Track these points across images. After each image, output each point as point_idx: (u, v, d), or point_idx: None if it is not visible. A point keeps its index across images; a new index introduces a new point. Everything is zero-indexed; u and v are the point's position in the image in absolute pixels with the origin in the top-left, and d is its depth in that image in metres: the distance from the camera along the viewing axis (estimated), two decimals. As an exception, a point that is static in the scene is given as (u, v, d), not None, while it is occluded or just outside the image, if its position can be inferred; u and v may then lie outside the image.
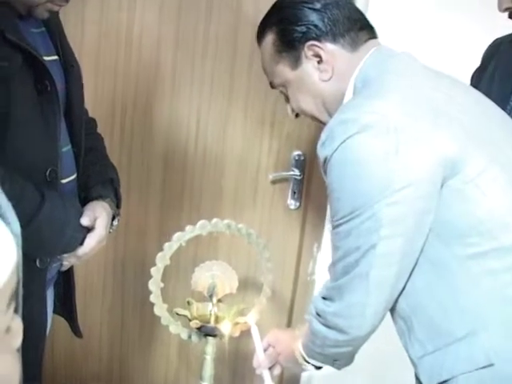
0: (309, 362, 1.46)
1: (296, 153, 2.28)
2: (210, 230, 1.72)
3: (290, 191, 2.31)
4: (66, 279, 1.65)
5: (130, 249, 2.29)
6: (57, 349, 2.31)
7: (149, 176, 2.24)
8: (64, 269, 1.55)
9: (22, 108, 1.31)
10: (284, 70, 1.39)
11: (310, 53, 1.34)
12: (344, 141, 1.16)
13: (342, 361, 1.41)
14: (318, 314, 1.33)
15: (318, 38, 1.33)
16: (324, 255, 2.29)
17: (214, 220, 1.72)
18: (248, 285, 2.21)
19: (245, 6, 2.14)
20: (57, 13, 1.49)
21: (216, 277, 1.78)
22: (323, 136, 1.22)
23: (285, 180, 2.31)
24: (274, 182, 2.31)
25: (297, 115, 1.49)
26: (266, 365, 1.60)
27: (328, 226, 2.28)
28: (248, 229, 1.77)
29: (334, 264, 1.28)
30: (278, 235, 2.34)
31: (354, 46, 1.34)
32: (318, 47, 1.33)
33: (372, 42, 1.37)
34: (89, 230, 1.46)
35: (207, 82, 2.19)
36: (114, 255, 2.28)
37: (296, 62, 1.37)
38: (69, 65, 1.51)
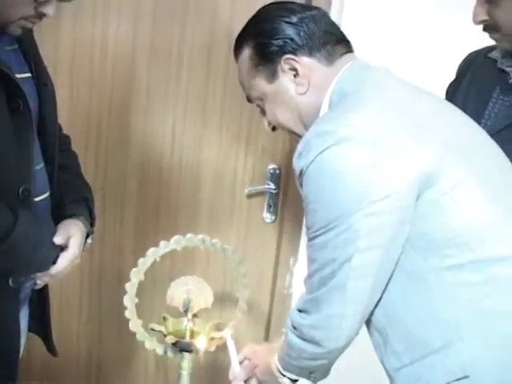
0: (284, 375, 1.45)
1: (271, 166, 2.29)
2: (185, 245, 1.72)
3: (266, 205, 2.32)
4: (40, 298, 1.63)
5: (106, 264, 2.28)
6: (33, 364, 2.28)
7: (124, 191, 2.24)
8: (38, 287, 1.53)
9: None
10: (261, 84, 1.40)
11: (286, 66, 1.35)
12: (321, 152, 1.17)
13: (317, 373, 1.41)
14: (293, 327, 1.33)
15: (294, 52, 1.34)
16: (301, 268, 2.30)
17: (189, 235, 1.71)
18: (224, 300, 2.20)
19: (219, 20, 2.16)
20: (30, 30, 1.48)
21: (191, 292, 1.78)
22: (299, 148, 1.23)
23: (260, 194, 2.31)
24: (249, 195, 2.31)
25: (273, 128, 1.50)
26: (242, 377, 1.60)
27: (304, 239, 2.28)
28: (223, 244, 1.77)
29: (309, 276, 1.28)
30: (254, 249, 2.34)
31: (331, 59, 1.35)
32: (295, 61, 1.34)
33: (348, 55, 1.38)
34: (62, 248, 1.45)
35: (182, 96, 2.20)
36: (90, 270, 2.27)
37: (273, 76, 1.37)
38: (42, 82, 1.50)
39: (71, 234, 1.47)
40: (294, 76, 1.36)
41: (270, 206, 2.31)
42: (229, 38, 2.12)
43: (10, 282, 1.38)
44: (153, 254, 1.67)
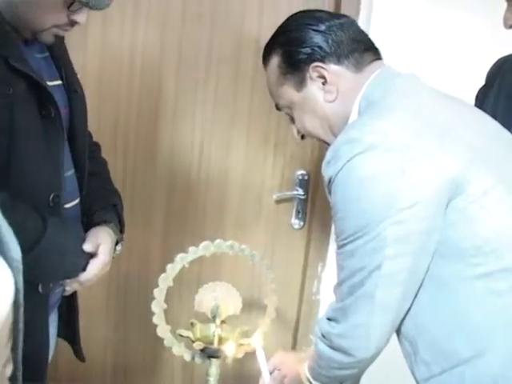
0: None
1: (300, 172, 2.28)
2: (213, 251, 1.72)
3: (294, 211, 2.31)
4: (69, 304, 1.64)
5: (134, 270, 2.28)
6: (60, 371, 2.30)
7: (152, 198, 2.24)
8: (67, 294, 1.54)
9: (26, 133, 1.31)
10: (289, 92, 1.40)
11: (314, 74, 1.35)
12: (349, 160, 1.16)
13: (347, 383, 1.39)
14: (323, 336, 1.32)
15: (322, 60, 1.34)
16: (329, 274, 2.28)
17: (217, 241, 1.71)
18: (252, 306, 2.20)
19: (247, 28, 2.16)
20: (62, 38, 1.50)
21: (219, 298, 1.77)
22: (328, 156, 1.22)
23: (289, 200, 2.31)
24: (278, 201, 2.31)
25: (302, 137, 1.50)
26: None
27: (332, 245, 2.27)
28: (251, 250, 1.76)
29: (339, 284, 1.27)
30: (282, 255, 2.33)
31: (359, 67, 1.35)
32: (323, 68, 1.34)
33: (377, 63, 1.37)
34: (92, 255, 1.45)
35: (210, 104, 2.20)
36: (117, 277, 2.27)
37: (301, 84, 1.37)
38: (72, 89, 1.52)
39: (101, 241, 1.47)
40: (323, 84, 1.35)
41: (299, 211, 2.30)
42: (256, 44, 2.13)
43: (40, 288, 1.39)
44: (181, 260, 1.68)
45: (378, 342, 1.24)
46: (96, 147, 1.74)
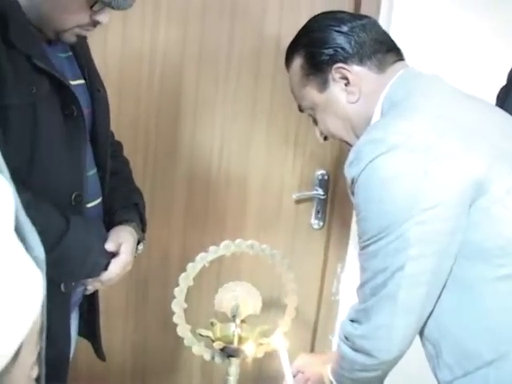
0: None
1: (319, 172, 2.28)
2: (234, 251, 1.71)
3: (314, 211, 2.30)
4: (90, 303, 1.65)
5: (154, 269, 2.29)
6: (79, 370, 2.31)
7: (172, 197, 2.24)
8: (88, 293, 1.55)
9: (49, 133, 1.32)
10: (311, 93, 1.40)
11: (337, 75, 1.35)
12: (371, 161, 1.16)
13: None
14: (345, 337, 1.31)
15: (345, 61, 1.34)
16: (348, 275, 2.28)
17: (238, 240, 1.71)
18: (271, 305, 2.19)
19: (268, 27, 2.15)
20: (84, 37, 1.50)
21: (239, 297, 1.77)
22: (351, 156, 1.22)
23: (308, 199, 2.30)
24: (297, 201, 2.30)
25: (325, 138, 1.49)
26: None
27: (352, 246, 2.26)
28: (272, 249, 1.76)
29: (361, 286, 1.26)
30: (301, 255, 2.33)
31: (381, 67, 1.34)
32: (345, 69, 1.34)
33: (399, 63, 1.37)
34: (114, 255, 1.46)
35: (230, 103, 2.20)
36: (137, 276, 2.28)
37: (324, 85, 1.37)
38: (95, 89, 1.52)
39: (122, 241, 1.47)
40: (345, 85, 1.35)
41: (318, 211, 2.30)
42: (277, 42, 2.13)
43: (62, 287, 1.40)
44: (202, 259, 1.67)
45: (401, 343, 1.24)
46: (118, 146, 1.74)
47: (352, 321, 1.29)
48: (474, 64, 2.08)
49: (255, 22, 2.16)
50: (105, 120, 1.56)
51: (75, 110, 1.38)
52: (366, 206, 1.21)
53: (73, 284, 1.43)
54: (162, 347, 2.36)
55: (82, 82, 1.49)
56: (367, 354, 1.26)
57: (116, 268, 1.46)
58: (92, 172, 1.50)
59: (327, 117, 1.40)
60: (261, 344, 1.71)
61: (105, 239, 1.44)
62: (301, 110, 1.48)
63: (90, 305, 1.65)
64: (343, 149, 2.24)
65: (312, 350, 2.41)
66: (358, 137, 1.33)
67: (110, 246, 1.44)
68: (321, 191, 2.27)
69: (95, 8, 1.32)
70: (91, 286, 1.50)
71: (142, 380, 2.41)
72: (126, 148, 1.81)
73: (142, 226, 1.61)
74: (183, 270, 1.68)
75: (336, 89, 1.36)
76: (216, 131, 2.22)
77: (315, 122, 1.46)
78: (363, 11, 2.09)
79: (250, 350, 1.67)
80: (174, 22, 2.13)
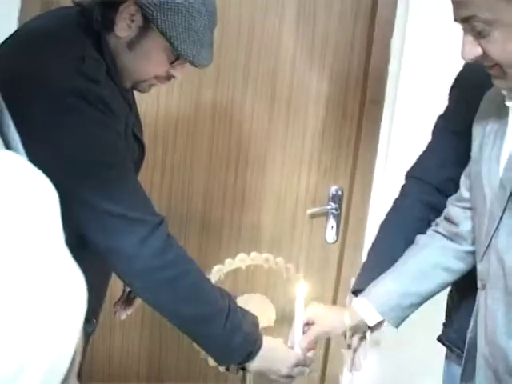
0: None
1: (333, 187, 2.31)
2: (249, 264, 1.75)
3: (328, 225, 2.33)
4: None
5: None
6: (95, 370, 2.34)
7: (189, 211, 2.29)
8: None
9: None
10: (507, 10, 1.12)
11: None
12: None
13: None
14: None
15: None
16: (361, 289, 2.30)
17: (253, 254, 1.74)
18: (285, 318, 2.22)
19: (284, 48, 2.19)
20: None
21: (253, 310, 1.80)
22: None
23: (322, 214, 2.34)
24: (311, 216, 2.33)
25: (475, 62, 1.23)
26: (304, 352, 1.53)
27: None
28: (286, 263, 1.79)
29: None
30: (315, 269, 2.36)
31: None
32: None
33: None
34: None
35: (247, 120, 2.25)
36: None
37: None
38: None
39: None
40: None
41: (332, 226, 2.33)
42: (292, 66, 2.17)
43: (86, 326, 1.45)
44: (217, 272, 1.71)
45: None
46: None
47: None
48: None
49: (271, 45, 2.20)
50: (139, 167, 1.62)
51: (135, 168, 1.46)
52: None
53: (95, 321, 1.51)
54: (177, 358, 2.38)
55: None
56: None
57: None
58: None
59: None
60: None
61: None
62: (463, 20, 1.21)
63: None
64: (356, 164, 2.28)
65: (325, 362, 2.43)
66: None
67: None
68: (335, 206, 2.30)
69: (175, 64, 1.37)
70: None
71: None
72: (144, 161, 1.86)
73: None
74: (199, 282, 1.71)
75: None
76: (232, 147, 2.26)
77: (478, 35, 1.17)
78: (379, 13, 2.14)
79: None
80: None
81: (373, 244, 1.67)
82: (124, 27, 1.30)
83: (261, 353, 1.43)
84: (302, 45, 2.18)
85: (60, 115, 1.19)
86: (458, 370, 1.48)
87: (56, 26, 1.32)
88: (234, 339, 1.38)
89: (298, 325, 1.53)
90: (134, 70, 1.37)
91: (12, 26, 1.88)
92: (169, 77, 1.41)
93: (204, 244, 2.32)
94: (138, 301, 1.64)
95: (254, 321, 1.47)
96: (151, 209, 1.32)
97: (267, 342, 1.45)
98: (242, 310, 1.45)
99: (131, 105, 1.47)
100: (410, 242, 1.55)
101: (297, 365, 1.49)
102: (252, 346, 1.43)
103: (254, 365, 1.44)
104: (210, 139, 2.25)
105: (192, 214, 2.29)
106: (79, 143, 1.21)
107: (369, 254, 1.68)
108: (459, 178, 1.47)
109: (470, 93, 1.46)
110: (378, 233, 1.67)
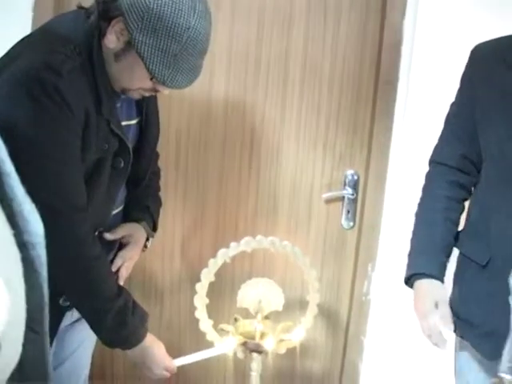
0: None
1: (349, 172, 2.28)
2: (255, 247, 1.74)
3: (344, 211, 2.30)
4: None
5: (187, 269, 2.32)
6: (116, 369, 2.36)
7: (204, 197, 2.28)
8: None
9: (98, 184, 1.46)
10: None
11: None
12: None
13: None
14: None
15: None
16: (379, 275, 2.27)
17: (258, 237, 1.74)
18: (303, 304, 2.20)
19: (295, 33, 2.17)
20: None
21: (261, 294, 1.80)
22: None
23: (338, 199, 2.31)
24: (327, 201, 2.31)
25: None
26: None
27: (383, 245, 2.25)
28: (293, 246, 1.78)
29: None
30: (332, 255, 2.33)
31: None
32: None
33: None
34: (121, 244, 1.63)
35: (260, 105, 2.23)
36: (171, 275, 2.32)
37: None
38: (147, 128, 1.65)
39: (132, 232, 1.60)
40: None
41: (348, 211, 2.30)
42: (305, 50, 2.15)
43: (61, 301, 1.49)
44: (223, 255, 1.71)
45: None
46: (155, 176, 1.84)
47: None
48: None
49: (283, 27, 2.18)
50: (149, 152, 1.69)
51: (122, 163, 1.51)
52: None
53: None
54: (195, 346, 2.38)
55: (134, 121, 1.61)
56: None
57: (121, 259, 1.61)
58: (118, 210, 1.64)
59: None
60: (282, 340, 1.73)
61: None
62: None
63: None
64: (371, 148, 2.24)
65: (344, 349, 2.40)
66: None
67: (108, 236, 1.57)
68: (350, 191, 2.27)
69: (154, 80, 1.41)
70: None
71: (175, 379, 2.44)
72: (158, 149, 1.86)
73: (153, 226, 1.73)
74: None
75: None
76: (246, 132, 2.25)
77: None
78: (389, 10, 2.10)
79: (270, 345, 1.69)
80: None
81: (414, 233, 1.67)
82: (113, 39, 1.38)
83: (139, 347, 1.56)
84: (315, 26, 2.16)
85: (17, 100, 1.28)
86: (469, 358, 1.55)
87: (60, 25, 1.44)
88: (120, 333, 1.51)
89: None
90: (118, 79, 1.45)
91: (26, 27, 1.92)
92: (155, 90, 1.46)
93: (220, 232, 2.31)
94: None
95: (142, 318, 1.57)
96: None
97: (149, 341, 1.58)
98: (135, 308, 1.54)
99: (115, 104, 1.50)
100: (449, 221, 1.61)
101: (166, 370, 1.65)
102: (135, 341, 1.55)
103: (132, 354, 1.58)
104: (224, 126, 2.24)
105: (207, 201, 2.29)
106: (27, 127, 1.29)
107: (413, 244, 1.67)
108: (471, 155, 1.58)
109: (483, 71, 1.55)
110: (417, 221, 1.67)
